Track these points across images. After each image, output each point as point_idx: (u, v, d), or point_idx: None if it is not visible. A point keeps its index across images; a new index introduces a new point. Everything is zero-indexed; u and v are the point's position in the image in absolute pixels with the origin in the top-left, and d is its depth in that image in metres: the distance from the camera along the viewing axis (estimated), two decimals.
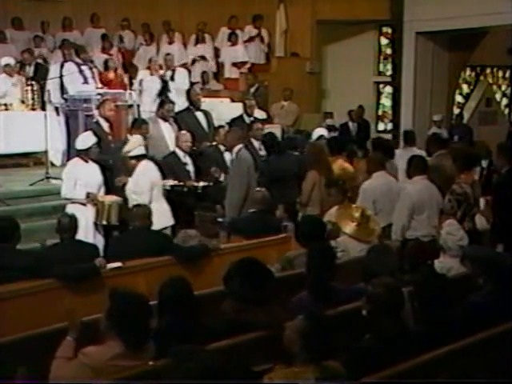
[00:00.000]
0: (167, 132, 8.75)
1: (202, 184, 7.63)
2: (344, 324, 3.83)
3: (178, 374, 2.86)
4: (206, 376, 2.79)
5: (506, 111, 15.97)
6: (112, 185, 7.43)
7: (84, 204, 7.01)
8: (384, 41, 14.89)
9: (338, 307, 4.22)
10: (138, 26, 13.38)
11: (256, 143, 8.62)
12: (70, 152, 9.17)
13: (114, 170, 7.57)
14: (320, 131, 9.21)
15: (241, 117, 9.67)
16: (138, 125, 7.89)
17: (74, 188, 7.08)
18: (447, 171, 6.56)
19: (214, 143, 8.46)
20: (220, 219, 6.81)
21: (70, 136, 9.65)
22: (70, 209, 6.81)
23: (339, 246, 5.72)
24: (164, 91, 10.65)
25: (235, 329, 3.81)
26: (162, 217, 6.78)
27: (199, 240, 6.02)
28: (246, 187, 7.29)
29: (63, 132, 10.09)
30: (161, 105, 9.05)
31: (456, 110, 15.17)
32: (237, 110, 10.15)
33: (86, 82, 10.11)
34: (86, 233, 6.74)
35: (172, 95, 10.58)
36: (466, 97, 15.63)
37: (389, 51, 14.85)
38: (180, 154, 7.88)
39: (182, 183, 7.60)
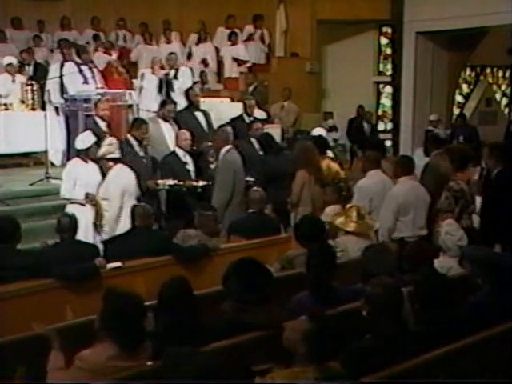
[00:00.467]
0: (167, 132, 8.75)
1: (201, 183, 7.63)
2: (344, 324, 3.81)
3: (174, 376, 2.86)
4: (202, 377, 2.78)
5: (506, 111, 15.97)
6: None
7: (83, 204, 7.01)
8: (384, 41, 14.90)
9: (337, 307, 4.21)
10: (136, 25, 13.38)
11: (256, 143, 8.63)
12: (70, 152, 9.17)
13: None
14: (318, 131, 9.22)
15: (241, 116, 9.67)
16: (138, 125, 7.89)
17: (74, 188, 7.07)
18: (442, 170, 6.56)
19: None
20: None
21: (70, 136, 9.64)
22: (70, 209, 6.80)
23: (338, 246, 5.73)
24: (165, 90, 10.66)
25: (235, 329, 3.80)
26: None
27: (199, 240, 6.02)
28: (232, 188, 7.33)
29: (63, 132, 10.08)
30: (162, 105, 9.06)
31: (456, 110, 15.17)
32: (237, 109, 10.15)
33: (85, 81, 10.11)
34: (86, 233, 6.74)
35: (174, 95, 10.59)
36: (466, 97, 15.64)
37: (389, 51, 14.86)
38: (180, 153, 7.88)
39: (181, 183, 7.60)
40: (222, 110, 10.27)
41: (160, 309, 3.85)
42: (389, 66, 14.90)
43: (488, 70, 15.80)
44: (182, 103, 9.86)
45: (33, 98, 10.02)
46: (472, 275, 4.55)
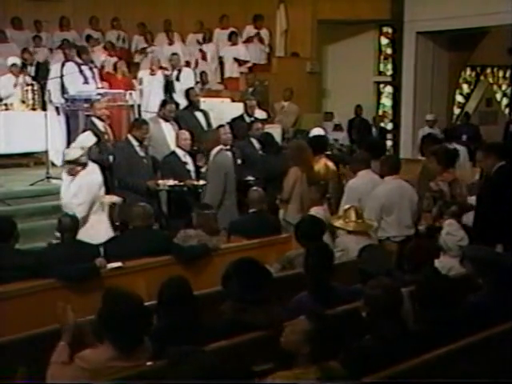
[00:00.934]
0: (168, 132, 8.75)
1: (201, 183, 7.64)
2: (344, 324, 3.82)
3: (175, 375, 2.86)
4: (202, 377, 2.78)
5: (507, 111, 15.97)
6: (112, 185, 7.43)
7: None
8: (384, 41, 14.89)
9: (337, 307, 4.21)
10: (135, 25, 13.39)
11: (256, 143, 8.64)
12: None
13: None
14: (317, 131, 9.24)
15: (241, 116, 9.68)
16: (139, 125, 7.89)
17: None
18: (430, 171, 6.58)
19: None
20: None
21: (71, 136, 9.64)
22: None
23: (339, 246, 5.74)
24: (168, 91, 10.66)
25: (235, 329, 3.80)
26: (100, 230, 6.56)
27: (199, 240, 6.02)
28: (222, 189, 7.33)
29: (63, 132, 10.08)
30: (162, 105, 9.06)
31: (456, 110, 15.18)
32: (237, 109, 10.16)
33: (86, 82, 10.11)
34: None
35: (176, 95, 10.59)
36: (467, 97, 15.63)
37: (389, 51, 14.85)
38: (180, 153, 7.88)
39: (181, 183, 7.61)
40: (222, 110, 10.27)
41: (159, 309, 3.85)
42: (389, 66, 14.90)
43: (488, 70, 15.79)
44: (183, 104, 9.87)
45: (33, 98, 10.02)
46: (473, 275, 4.55)
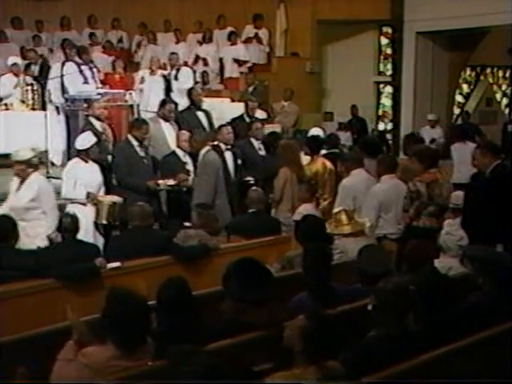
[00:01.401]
0: (168, 132, 8.75)
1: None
2: (342, 323, 3.82)
3: (175, 376, 2.86)
4: (203, 377, 2.78)
5: (507, 111, 15.97)
6: (111, 185, 7.44)
7: (84, 204, 7.02)
8: (384, 41, 14.90)
9: (337, 307, 4.21)
10: (135, 25, 13.39)
11: (256, 143, 8.63)
12: (70, 152, 9.16)
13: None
14: (315, 131, 9.27)
15: (241, 116, 9.68)
16: (139, 125, 7.88)
17: (74, 188, 7.09)
18: (412, 171, 6.60)
19: (216, 142, 8.45)
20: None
21: (70, 136, 9.63)
22: (70, 208, 6.80)
23: (338, 247, 5.74)
24: (166, 91, 10.66)
25: (235, 329, 3.80)
26: (35, 238, 6.27)
27: (199, 240, 6.02)
28: (212, 189, 7.35)
29: (63, 132, 10.08)
30: (162, 105, 9.06)
31: (456, 110, 15.18)
32: (237, 109, 10.16)
33: (86, 81, 10.10)
34: (87, 232, 6.74)
35: (174, 95, 10.59)
36: (467, 97, 15.64)
37: (389, 51, 14.85)
38: (180, 153, 7.88)
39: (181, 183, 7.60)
40: (222, 109, 10.28)
41: (159, 309, 3.85)
42: (389, 66, 14.90)
43: (488, 70, 15.80)
44: (182, 104, 9.85)
45: (33, 98, 10.02)
46: (473, 275, 4.55)
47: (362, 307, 4.06)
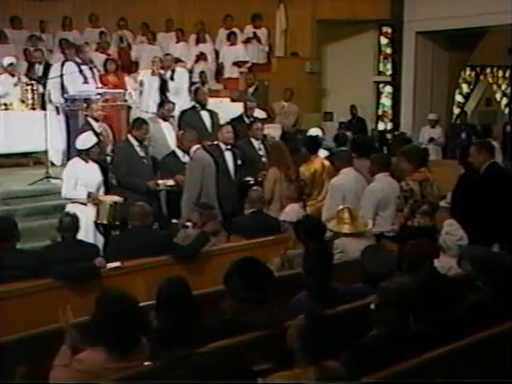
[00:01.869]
0: (168, 132, 8.76)
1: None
2: (343, 324, 3.82)
3: (169, 379, 2.84)
4: (197, 379, 2.77)
5: (506, 111, 15.98)
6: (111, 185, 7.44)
7: (84, 203, 7.02)
8: (384, 40, 14.90)
9: (337, 307, 4.21)
10: (136, 25, 13.38)
11: (256, 143, 8.62)
12: (70, 152, 9.16)
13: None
14: (315, 131, 9.28)
15: (240, 116, 9.67)
16: (139, 125, 7.88)
17: (75, 188, 7.09)
18: (405, 171, 6.63)
19: (216, 142, 8.46)
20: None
21: (70, 136, 9.64)
22: (70, 208, 6.81)
23: (338, 247, 5.74)
24: (163, 91, 10.66)
25: (234, 328, 3.80)
26: None
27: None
28: (199, 187, 7.33)
29: (63, 132, 10.08)
30: (161, 105, 9.06)
31: (456, 110, 15.19)
32: (237, 109, 10.15)
33: (86, 81, 10.09)
34: (87, 232, 6.74)
35: (170, 95, 10.58)
36: (466, 96, 15.65)
37: (389, 51, 14.86)
38: (180, 153, 7.88)
39: (181, 183, 7.60)
40: (221, 109, 10.27)
41: (158, 309, 3.85)
42: (389, 66, 14.91)
43: (488, 70, 15.81)
44: (179, 104, 9.85)
45: (33, 98, 10.01)
46: (471, 275, 4.56)
47: (362, 307, 4.07)
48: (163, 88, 10.69)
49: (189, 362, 2.83)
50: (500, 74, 16.03)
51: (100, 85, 10.34)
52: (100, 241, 6.94)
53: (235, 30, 13.45)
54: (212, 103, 10.38)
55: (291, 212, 6.94)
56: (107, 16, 13.24)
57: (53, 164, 9.40)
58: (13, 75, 10.20)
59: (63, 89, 10.06)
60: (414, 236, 5.34)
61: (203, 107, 9.38)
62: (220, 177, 7.81)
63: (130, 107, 10.12)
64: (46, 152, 9.02)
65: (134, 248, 5.62)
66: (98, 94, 9.60)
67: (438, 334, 3.75)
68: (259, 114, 10.15)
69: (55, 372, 3.47)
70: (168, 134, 8.69)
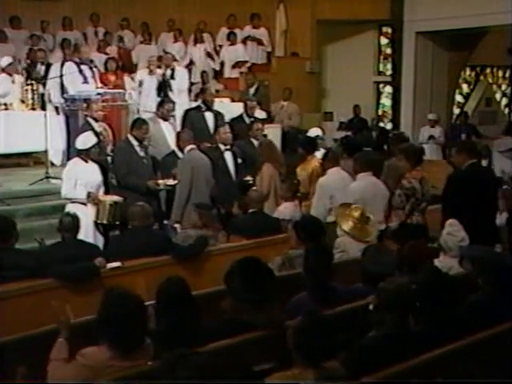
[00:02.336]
0: (168, 131, 8.75)
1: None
2: (342, 324, 3.82)
3: (170, 379, 2.84)
4: (198, 379, 2.76)
5: (506, 111, 15.98)
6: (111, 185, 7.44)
7: (84, 203, 7.02)
8: (384, 40, 14.90)
9: (336, 307, 4.21)
10: (137, 25, 13.37)
11: (256, 143, 8.62)
12: (70, 152, 9.17)
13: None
14: (315, 131, 9.28)
15: (241, 116, 9.67)
16: (139, 125, 7.89)
17: (75, 188, 7.09)
18: (400, 170, 6.64)
19: (215, 144, 8.46)
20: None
21: (70, 136, 9.64)
22: (70, 208, 6.81)
23: (339, 247, 5.73)
24: (164, 90, 10.65)
25: (235, 328, 3.80)
26: None
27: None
28: (186, 188, 7.33)
29: (63, 132, 10.08)
30: (160, 104, 9.06)
31: (456, 110, 15.19)
32: (237, 109, 10.15)
33: (85, 81, 10.10)
34: (87, 232, 6.74)
35: (172, 94, 10.58)
36: (466, 96, 15.65)
37: (389, 51, 14.86)
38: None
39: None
40: (222, 109, 10.26)
41: (158, 309, 3.85)
42: (389, 66, 14.91)
43: (488, 70, 15.81)
44: (179, 103, 9.84)
45: (33, 98, 10.01)
46: (472, 275, 4.56)
47: (362, 307, 4.07)
48: (161, 87, 10.69)
49: (189, 362, 2.83)
50: (500, 74, 16.03)
51: (100, 84, 10.35)
52: (100, 241, 6.94)
53: (235, 30, 13.44)
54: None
55: (285, 210, 6.97)
56: (107, 16, 13.24)
57: (53, 164, 9.40)
58: (10, 75, 10.19)
59: (63, 89, 10.07)
60: (412, 234, 5.37)
61: (209, 108, 9.37)
62: (220, 177, 7.82)
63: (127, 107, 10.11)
64: (45, 152, 9.03)
65: (134, 248, 5.61)
66: (98, 93, 9.60)
67: (438, 334, 3.75)
68: (259, 114, 10.15)
69: (54, 366, 3.48)
70: (168, 133, 8.69)
